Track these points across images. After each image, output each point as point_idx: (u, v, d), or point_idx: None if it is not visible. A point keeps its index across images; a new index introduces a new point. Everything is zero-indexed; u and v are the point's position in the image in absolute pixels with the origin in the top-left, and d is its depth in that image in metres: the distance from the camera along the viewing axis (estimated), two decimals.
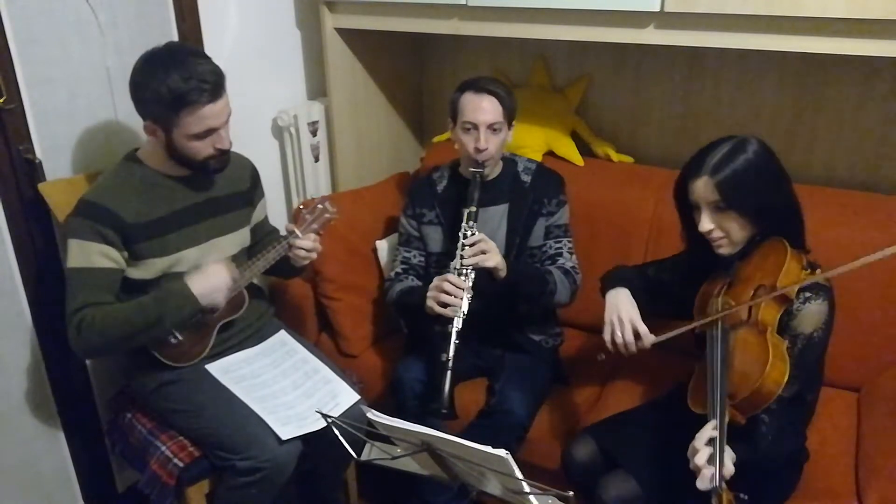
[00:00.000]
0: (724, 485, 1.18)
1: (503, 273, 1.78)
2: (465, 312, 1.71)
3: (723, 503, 1.16)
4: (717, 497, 1.17)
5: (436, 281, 1.76)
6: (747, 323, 1.38)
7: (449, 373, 1.68)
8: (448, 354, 1.69)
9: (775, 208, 1.43)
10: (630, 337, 1.51)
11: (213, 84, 1.52)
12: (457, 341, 1.70)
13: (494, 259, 1.75)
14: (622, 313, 1.54)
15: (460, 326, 1.71)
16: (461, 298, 1.71)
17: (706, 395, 1.33)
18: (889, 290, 1.82)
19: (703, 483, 1.21)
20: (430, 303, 1.73)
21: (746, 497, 1.20)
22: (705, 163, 1.41)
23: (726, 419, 1.26)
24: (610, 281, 1.64)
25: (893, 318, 1.82)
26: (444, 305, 1.71)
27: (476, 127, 1.80)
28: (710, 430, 1.25)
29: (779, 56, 2.03)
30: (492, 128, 1.81)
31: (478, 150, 1.81)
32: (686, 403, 1.63)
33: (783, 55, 2.00)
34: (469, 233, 1.77)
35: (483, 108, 1.80)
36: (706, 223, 1.42)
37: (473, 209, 1.79)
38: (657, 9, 1.71)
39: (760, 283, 1.38)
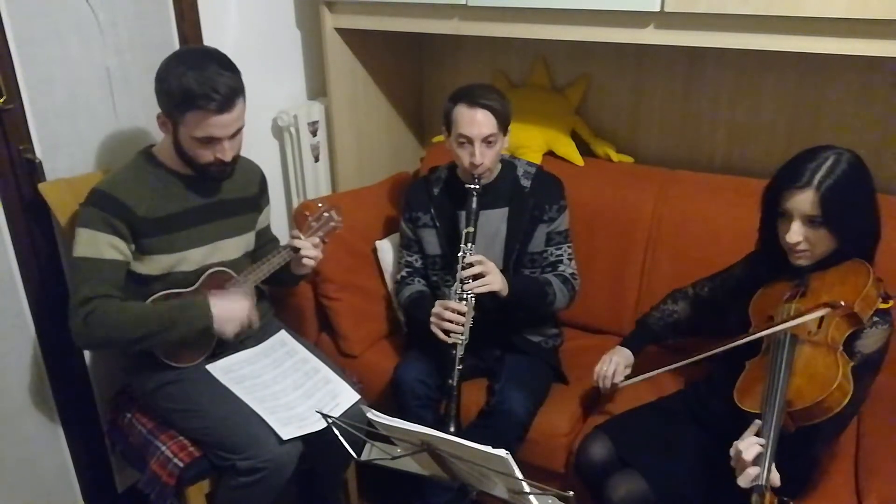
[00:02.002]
0: (769, 486, 1.18)
1: (505, 293, 1.79)
2: (467, 339, 1.73)
3: (765, 503, 1.15)
4: (759, 496, 1.16)
5: (437, 307, 1.77)
6: (815, 335, 1.38)
7: (455, 398, 1.71)
8: (453, 381, 1.72)
9: (864, 228, 1.42)
10: (609, 372, 1.74)
11: (224, 97, 1.53)
12: (460, 368, 1.72)
13: (495, 284, 1.76)
14: (614, 356, 1.77)
15: (462, 353, 1.73)
16: (462, 325, 1.72)
17: (761, 395, 1.33)
18: (893, 290, 1.81)
19: (745, 480, 1.20)
20: (434, 329, 1.76)
21: (791, 501, 1.19)
22: (809, 174, 1.37)
23: (781, 423, 1.26)
24: (629, 336, 1.85)
25: (893, 317, 1.82)
26: (447, 332, 1.73)
27: (471, 141, 1.79)
28: (758, 431, 1.26)
29: (779, 56, 2.03)
30: (486, 141, 1.79)
31: (473, 165, 1.80)
32: (699, 403, 1.64)
33: (783, 55, 2.00)
34: (468, 254, 1.76)
35: (477, 121, 1.78)
36: (796, 235, 1.40)
37: (471, 230, 1.78)
38: (657, 9, 1.71)
39: (836, 299, 1.37)
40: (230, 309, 1.64)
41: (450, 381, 1.73)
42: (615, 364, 1.74)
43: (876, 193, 1.44)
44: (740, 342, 1.48)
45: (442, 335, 1.75)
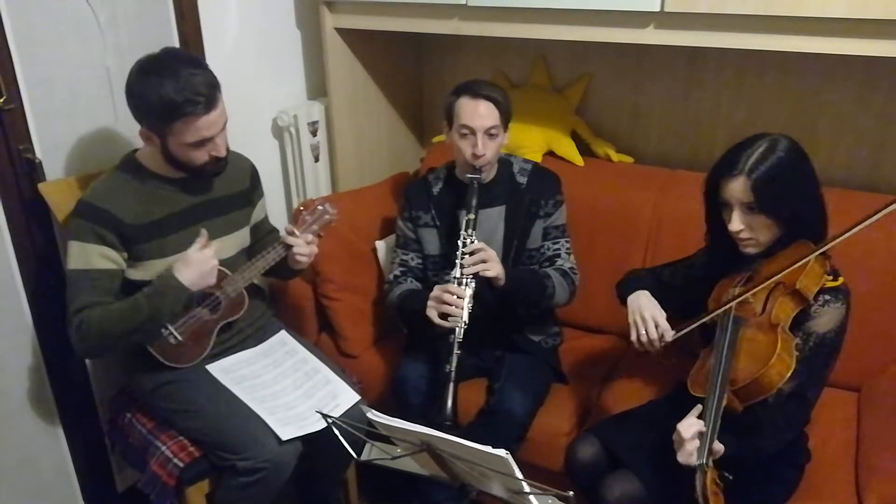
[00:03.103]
0: (710, 462, 1.20)
1: (502, 282, 1.77)
2: (467, 322, 1.71)
3: (707, 481, 1.18)
4: (702, 473, 1.19)
5: (436, 290, 1.75)
6: (760, 316, 1.40)
7: (452, 384, 1.68)
8: (451, 366, 1.69)
9: (805, 212, 1.43)
10: (654, 334, 1.51)
11: (207, 96, 1.51)
12: (458, 352, 1.71)
13: (495, 269, 1.75)
14: (644, 312, 1.54)
15: (462, 338, 1.71)
16: (462, 308, 1.71)
17: (707, 378, 1.35)
18: (889, 290, 1.82)
19: (683, 456, 1.24)
20: (431, 313, 1.73)
21: (731, 476, 1.23)
22: (741, 162, 1.39)
23: (724, 402, 1.28)
24: (626, 286, 1.66)
25: (893, 318, 1.82)
26: (445, 316, 1.72)
27: (473, 132, 1.79)
28: (699, 412, 1.29)
29: (779, 56, 2.03)
30: (489, 133, 1.80)
31: (475, 156, 1.80)
32: (689, 404, 1.64)
33: (783, 55, 2.00)
34: (469, 241, 1.76)
35: (480, 113, 1.78)
36: (737, 223, 1.42)
37: (472, 216, 1.78)
38: (657, 9, 1.71)
39: (780, 281, 1.39)
40: (195, 269, 1.60)
41: (447, 367, 1.69)
42: (652, 320, 1.52)
43: (816, 178, 1.44)
44: (695, 325, 1.49)
45: (439, 319, 1.72)
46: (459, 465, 1.24)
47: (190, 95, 1.48)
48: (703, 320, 1.49)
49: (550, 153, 2.37)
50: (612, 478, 1.51)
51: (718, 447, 1.25)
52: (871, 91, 2.00)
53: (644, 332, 1.52)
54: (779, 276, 1.36)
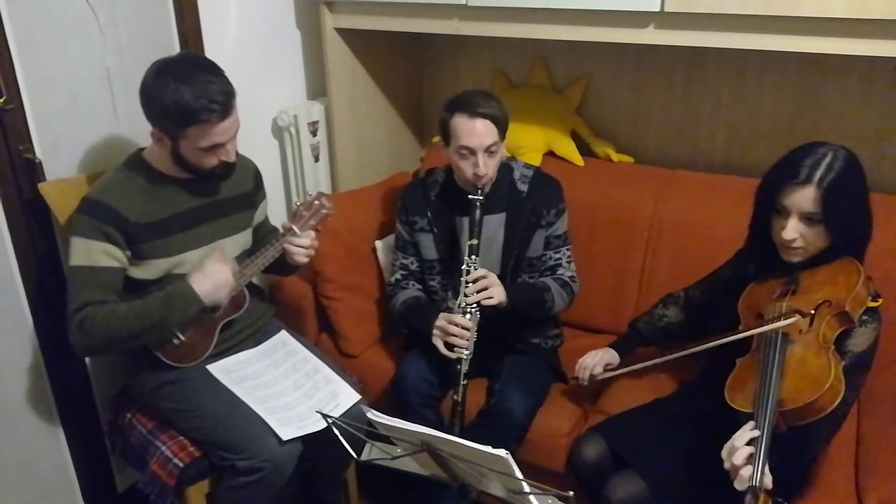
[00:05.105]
0: (762, 487, 1.17)
1: (504, 304, 1.78)
2: (472, 352, 1.72)
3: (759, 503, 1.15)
4: (753, 497, 1.15)
5: (441, 321, 1.76)
6: (806, 334, 1.37)
7: (459, 413, 1.71)
8: (458, 396, 1.71)
9: (859, 226, 1.42)
10: (590, 363, 1.81)
11: (222, 104, 1.52)
12: (465, 382, 1.72)
13: (498, 296, 1.75)
14: (600, 352, 1.83)
15: (467, 368, 1.72)
16: (467, 340, 1.72)
17: (752, 394, 1.32)
18: (889, 290, 1.81)
19: (740, 483, 1.20)
20: (438, 343, 1.75)
21: (784, 502, 1.19)
22: (807, 170, 1.36)
23: (773, 424, 1.25)
24: (618, 339, 1.89)
25: (893, 318, 1.82)
26: (451, 346, 1.72)
27: (473, 152, 1.76)
28: (749, 432, 1.24)
29: (779, 56, 2.03)
30: (488, 150, 1.77)
31: (477, 177, 1.77)
32: (691, 403, 1.64)
33: (783, 55, 2.00)
34: (472, 268, 1.76)
35: (478, 132, 1.74)
36: (791, 231, 1.39)
37: (475, 242, 1.77)
38: (657, 9, 1.71)
39: (827, 298, 1.37)
40: (211, 280, 1.61)
41: (455, 397, 1.71)
42: (598, 359, 1.81)
43: (869, 192, 1.44)
44: (729, 339, 1.47)
45: (444, 349, 1.74)
46: (459, 466, 1.24)
47: (206, 103, 1.49)
48: (745, 335, 1.46)
49: (550, 153, 2.37)
50: (618, 478, 1.51)
51: (768, 480, 1.21)
52: (871, 91, 2.00)
53: (587, 360, 1.81)
54: (846, 302, 1.35)
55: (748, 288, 1.55)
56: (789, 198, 1.38)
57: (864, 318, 1.38)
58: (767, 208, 1.45)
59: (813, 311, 1.37)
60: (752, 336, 1.46)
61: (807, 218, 1.38)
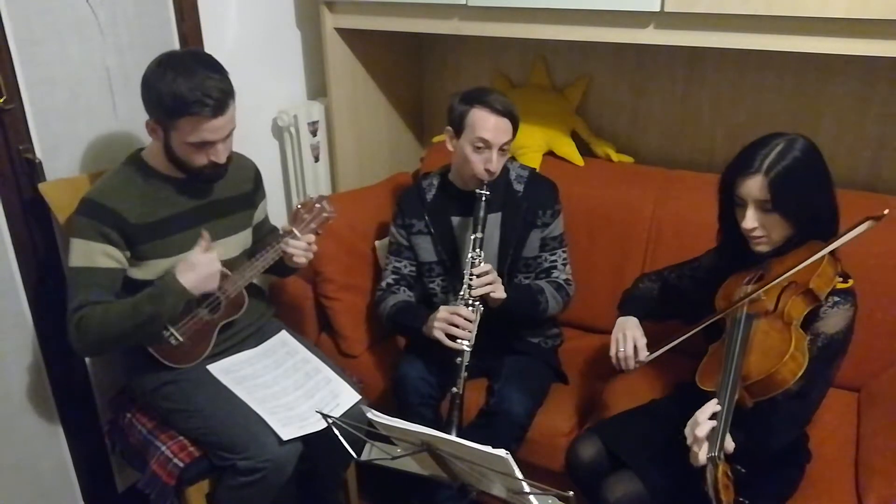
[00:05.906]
0: (722, 456, 1.20)
1: (500, 301, 1.78)
2: (472, 344, 1.72)
3: (719, 473, 1.18)
4: (713, 465, 1.19)
5: (443, 312, 1.75)
6: (773, 314, 1.41)
7: (458, 408, 1.70)
8: (458, 389, 1.71)
9: (819, 211, 1.44)
10: (630, 351, 1.58)
11: (217, 101, 1.51)
12: (465, 374, 1.72)
13: (500, 291, 1.76)
14: (626, 331, 1.61)
15: (469, 360, 1.72)
16: (471, 332, 1.72)
17: (718, 374, 1.35)
18: (889, 290, 1.82)
19: (696, 461, 1.24)
20: (439, 334, 1.74)
21: (744, 470, 1.23)
22: (758, 161, 1.40)
23: (735, 396, 1.29)
24: (626, 304, 1.74)
25: (893, 318, 1.82)
26: (453, 337, 1.72)
27: (490, 147, 1.77)
28: (713, 406, 1.29)
29: (779, 56, 2.03)
30: (501, 148, 1.79)
31: (489, 172, 1.79)
32: (684, 404, 1.64)
33: (783, 55, 2.00)
34: (478, 261, 1.76)
35: (501, 128, 1.77)
36: (751, 221, 1.43)
37: (480, 235, 1.77)
38: (657, 9, 1.71)
39: (792, 280, 1.40)
40: (197, 272, 1.60)
41: (455, 390, 1.71)
42: (632, 340, 1.59)
43: (831, 178, 1.45)
44: (701, 326, 1.50)
45: (447, 340, 1.73)
46: (459, 466, 1.24)
47: (200, 96, 1.49)
48: (704, 325, 1.49)
49: (550, 153, 2.37)
50: (614, 478, 1.51)
51: (730, 444, 1.25)
52: (871, 91, 2.00)
53: (622, 348, 1.58)
54: (792, 272, 1.37)
55: (726, 281, 1.58)
56: (742, 187, 1.43)
57: (836, 299, 1.39)
58: (729, 200, 1.49)
59: (777, 287, 1.40)
60: (725, 325, 1.49)
61: (761, 206, 1.41)
